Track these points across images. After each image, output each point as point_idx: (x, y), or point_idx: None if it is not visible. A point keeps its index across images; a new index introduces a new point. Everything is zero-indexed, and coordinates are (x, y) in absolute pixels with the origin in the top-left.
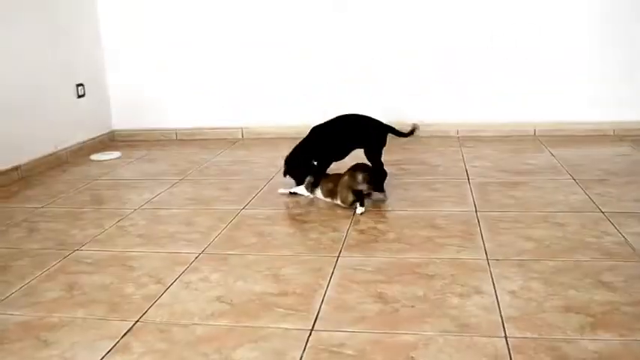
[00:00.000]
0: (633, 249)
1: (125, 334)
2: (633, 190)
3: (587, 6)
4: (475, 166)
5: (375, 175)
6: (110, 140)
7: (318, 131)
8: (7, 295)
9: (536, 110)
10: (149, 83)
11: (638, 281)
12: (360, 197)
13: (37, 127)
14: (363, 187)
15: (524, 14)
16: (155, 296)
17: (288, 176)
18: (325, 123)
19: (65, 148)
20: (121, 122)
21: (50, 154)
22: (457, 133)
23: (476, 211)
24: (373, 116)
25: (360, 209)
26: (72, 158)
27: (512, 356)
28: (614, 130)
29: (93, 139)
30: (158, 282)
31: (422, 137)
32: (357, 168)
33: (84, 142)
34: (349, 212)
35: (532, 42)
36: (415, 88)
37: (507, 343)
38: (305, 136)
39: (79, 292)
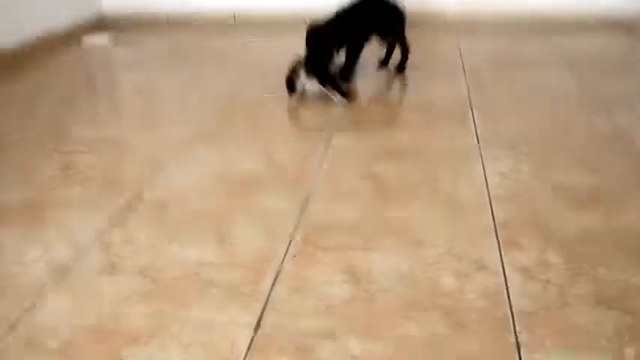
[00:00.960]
0: (623, 134)
1: (122, 211)
2: (626, 78)
3: None
4: (469, 54)
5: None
6: (100, 23)
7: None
8: (5, 176)
9: None
10: None
11: (626, 163)
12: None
13: (24, 8)
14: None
15: None
16: (150, 175)
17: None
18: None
19: (55, 31)
20: (111, 4)
21: (40, 37)
22: (452, 19)
23: (469, 96)
24: None
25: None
26: (62, 41)
27: (499, 232)
28: (611, 19)
29: (83, 22)
30: (153, 162)
31: (413, 23)
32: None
33: (73, 25)
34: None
35: None
36: None
37: (494, 220)
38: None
39: (74, 171)
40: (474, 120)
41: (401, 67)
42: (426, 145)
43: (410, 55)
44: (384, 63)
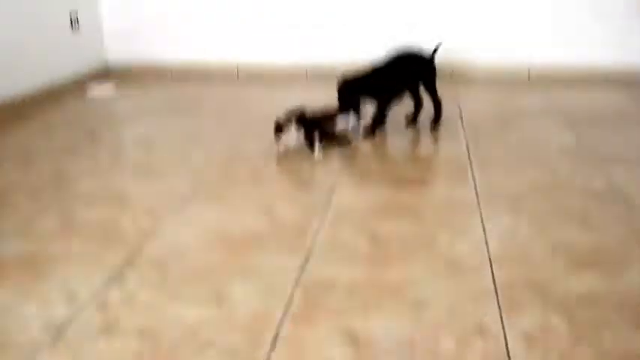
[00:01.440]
0: (620, 191)
1: (120, 267)
2: (622, 133)
3: None
4: (468, 107)
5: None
6: (104, 73)
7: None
8: (4, 228)
9: (530, 51)
10: (146, 17)
11: (624, 223)
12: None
13: (30, 60)
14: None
15: None
16: (149, 230)
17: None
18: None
19: (60, 82)
20: (116, 56)
21: (45, 88)
22: (451, 73)
23: (468, 151)
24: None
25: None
26: (66, 91)
27: (499, 294)
28: (607, 75)
29: (87, 72)
30: (153, 216)
31: None
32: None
33: (78, 76)
34: (345, 151)
35: None
36: (412, 21)
37: (494, 281)
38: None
39: (74, 226)
40: (473, 176)
41: (436, 123)
42: (426, 202)
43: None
44: (413, 120)
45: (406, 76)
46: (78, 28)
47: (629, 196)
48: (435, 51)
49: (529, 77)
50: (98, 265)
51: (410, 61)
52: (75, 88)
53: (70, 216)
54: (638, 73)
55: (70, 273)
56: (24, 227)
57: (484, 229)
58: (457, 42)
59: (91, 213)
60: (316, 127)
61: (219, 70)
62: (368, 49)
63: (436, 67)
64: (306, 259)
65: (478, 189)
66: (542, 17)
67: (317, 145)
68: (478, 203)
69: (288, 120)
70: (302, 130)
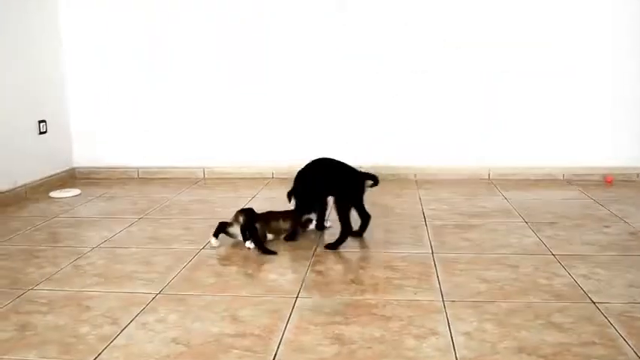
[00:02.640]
0: (582, 290)
1: None
2: (581, 232)
3: (542, 57)
4: (432, 209)
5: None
6: (71, 177)
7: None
8: None
9: (490, 154)
10: (111, 121)
11: (587, 322)
12: (244, 235)
13: None
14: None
15: (479, 62)
16: (110, 337)
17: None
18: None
19: (24, 185)
20: (82, 159)
21: (8, 191)
22: (415, 177)
23: (432, 253)
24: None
25: (247, 244)
26: (31, 195)
27: None
28: (563, 175)
29: (53, 175)
30: (113, 323)
31: (381, 180)
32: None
33: (44, 179)
34: (308, 254)
35: (484, 89)
36: (374, 132)
37: None
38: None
39: (31, 333)
40: (437, 277)
41: (334, 244)
42: (391, 304)
43: (372, 210)
44: (356, 233)
45: (324, 186)
46: (45, 132)
47: (591, 294)
48: (367, 176)
49: (489, 178)
50: None
51: (332, 172)
52: (40, 190)
53: (27, 322)
54: (592, 174)
55: None
56: None
57: (450, 331)
58: (419, 146)
59: (49, 319)
60: (258, 222)
61: (186, 174)
62: (335, 151)
63: (363, 186)
64: None
65: (443, 291)
66: (500, 123)
67: (250, 238)
68: (444, 305)
69: (236, 216)
70: (243, 222)
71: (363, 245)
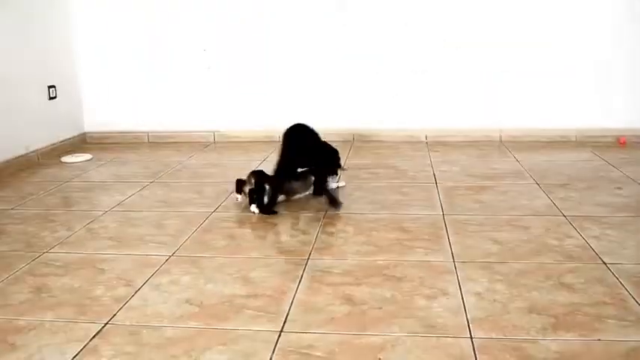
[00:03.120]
0: (594, 251)
1: (94, 336)
2: (593, 194)
3: (551, 13)
4: (443, 171)
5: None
6: (82, 142)
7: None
8: None
9: (501, 116)
10: (121, 86)
11: (598, 283)
12: (251, 197)
13: (7, 128)
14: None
15: (490, 23)
16: (125, 298)
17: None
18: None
19: (36, 150)
20: (92, 124)
21: (20, 156)
22: (426, 139)
23: (443, 215)
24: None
25: (252, 207)
26: (43, 160)
27: (478, 356)
28: (576, 136)
29: (64, 140)
30: (128, 284)
31: (392, 142)
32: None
33: (55, 144)
34: (319, 215)
35: (496, 49)
36: (385, 93)
37: (473, 344)
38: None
39: (47, 295)
40: (448, 238)
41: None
42: (402, 265)
43: (378, 171)
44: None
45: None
46: (55, 98)
47: (603, 255)
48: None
49: (501, 140)
50: (72, 335)
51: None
52: (52, 155)
53: (43, 285)
54: (605, 135)
55: (43, 344)
56: None
57: (461, 292)
58: (431, 108)
59: (64, 281)
60: (268, 183)
61: (196, 138)
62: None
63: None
64: (283, 326)
65: (454, 252)
66: (511, 84)
67: (256, 201)
68: (454, 266)
69: (248, 177)
70: (252, 184)
71: (375, 207)
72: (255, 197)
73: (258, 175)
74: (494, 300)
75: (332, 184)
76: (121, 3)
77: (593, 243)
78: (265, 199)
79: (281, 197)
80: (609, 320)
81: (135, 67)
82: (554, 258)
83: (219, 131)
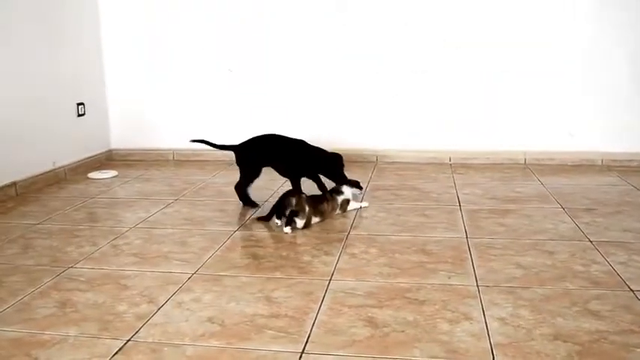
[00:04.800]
0: (620, 277)
1: (116, 353)
2: (620, 219)
3: (576, 36)
4: (466, 193)
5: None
6: (108, 159)
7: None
8: (0, 311)
9: (526, 139)
10: (148, 104)
11: (625, 310)
12: (290, 219)
13: (36, 143)
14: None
15: (514, 44)
16: (147, 315)
17: None
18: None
19: (63, 166)
20: (119, 141)
21: (48, 171)
22: (450, 161)
23: (466, 238)
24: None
25: (286, 229)
26: (70, 176)
27: None
28: (602, 160)
29: (91, 157)
30: (150, 301)
31: (416, 164)
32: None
33: (82, 160)
34: (341, 236)
35: (522, 72)
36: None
37: None
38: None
39: (71, 310)
40: (472, 262)
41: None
42: (425, 289)
43: (401, 193)
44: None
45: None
46: (84, 115)
47: (630, 282)
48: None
49: (525, 163)
50: (94, 351)
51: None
52: (78, 171)
53: (67, 299)
54: (632, 159)
55: (66, 359)
56: (20, 310)
57: (484, 317)
58: (455, 131)
59: (88, 297)
60: (308, 205)
61: (220, 156)
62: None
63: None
64: (303, 347)
65: (478, 276)
66: (536, 107)
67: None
68: (478, 290)
69: (300, 205)
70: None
71: (397, 229)
72: (293, 219)
73: (298, 196)
74: (519, 325)
75: (355, 204)
76: (147, 21)
77: (619, 269)
78: (298, 222)
79: (315, 219)
80: (637, 349)
81: (161, 86)
82: (579, 284)
83: None
